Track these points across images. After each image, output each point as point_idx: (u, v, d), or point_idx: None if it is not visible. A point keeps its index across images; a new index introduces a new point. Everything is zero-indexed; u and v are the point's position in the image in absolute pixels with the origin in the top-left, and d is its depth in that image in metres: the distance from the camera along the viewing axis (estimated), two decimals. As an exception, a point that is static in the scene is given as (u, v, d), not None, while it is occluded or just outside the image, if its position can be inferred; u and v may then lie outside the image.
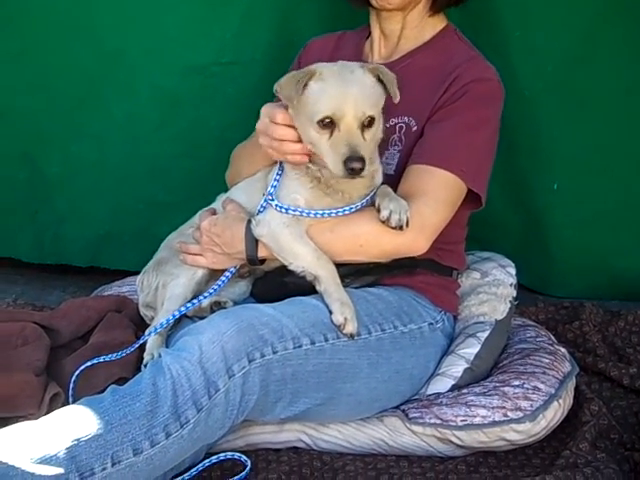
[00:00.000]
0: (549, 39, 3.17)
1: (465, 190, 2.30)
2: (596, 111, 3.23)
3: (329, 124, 2.04)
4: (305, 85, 2.09)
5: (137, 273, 2.63)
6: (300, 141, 2.15)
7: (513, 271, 2.79)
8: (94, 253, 3.60)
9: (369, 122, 2.07)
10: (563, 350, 2.62)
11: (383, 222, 2.09)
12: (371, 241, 2.20)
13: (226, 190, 2.61)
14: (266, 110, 2.23)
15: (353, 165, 1.98)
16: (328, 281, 2.17)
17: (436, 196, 2.23)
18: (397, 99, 2.17)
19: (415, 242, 2.19)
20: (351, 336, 2.15)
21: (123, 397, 1.89)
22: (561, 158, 3.31)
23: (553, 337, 2.75)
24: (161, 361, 1.97)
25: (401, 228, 2.08)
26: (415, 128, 2.38)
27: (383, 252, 2.25)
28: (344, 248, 2.22)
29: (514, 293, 2.72)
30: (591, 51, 3.17)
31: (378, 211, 2.11)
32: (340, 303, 2.15)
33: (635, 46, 3.13)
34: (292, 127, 2.16)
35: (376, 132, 2.15)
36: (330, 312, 2.16)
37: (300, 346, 2.09)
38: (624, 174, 3.33)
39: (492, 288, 2.69)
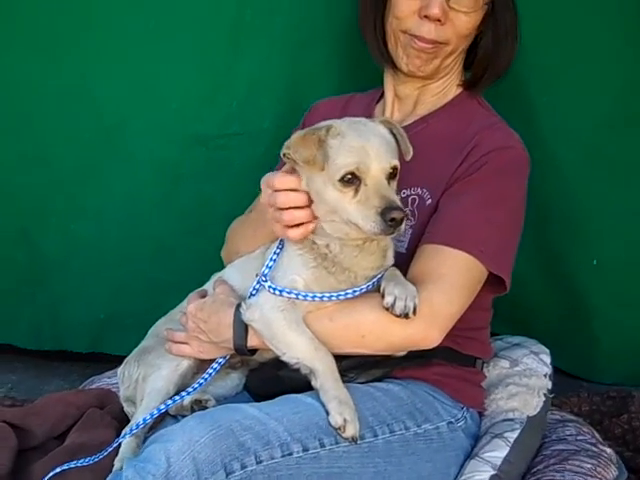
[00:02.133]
0: (581, 103, 2.94)
1: (485, 273, 2.03)
2: (636, 178, 2.96)
3: (352, 180, 1.81)
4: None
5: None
6: (307, 206, 1.90)
7: (548, 359, 2.48)
8: (94, 338, 3.39)
9: (393, 174, 1.86)
10: (609, 451, 2.30)
11: (387, 309, 1.82)
12: (375, 332, 1.92)
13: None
14: (266, 180, 1.98)
15: (394, 215, 1.75)
16: (325, 376, 1.88)
17: (451, 281, 1.96)
18: (410, 155, 1.95)
19: (426, 334, 1.91)
20: (353, 440, 1.85)
21: None
22: (599, 231, 3.04)
23: (597, 434, 2.43)
24: (120, 475, 1.67)
25: (407, 316, 1.80)
26: (430, 201, 2.13)
27: (389, 345, 1.97)
28: (345, 339, 1.95)
29: (549, 385, 2.40)
30: (628, 115, 2.92)
31: (382, 297, 1.84)
32: (338, 401, 1.85)
33: (674, 107, 2.88)
34: (296, 191, 1.91)
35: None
36: (327, 412, 1.85)
37: (290, 454, 1.79)
38: (672, 246, 3.03)
39: (523, 379, 2.38)
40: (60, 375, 3.42)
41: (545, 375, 2.41)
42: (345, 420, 1.83)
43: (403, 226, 1.79)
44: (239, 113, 3.10)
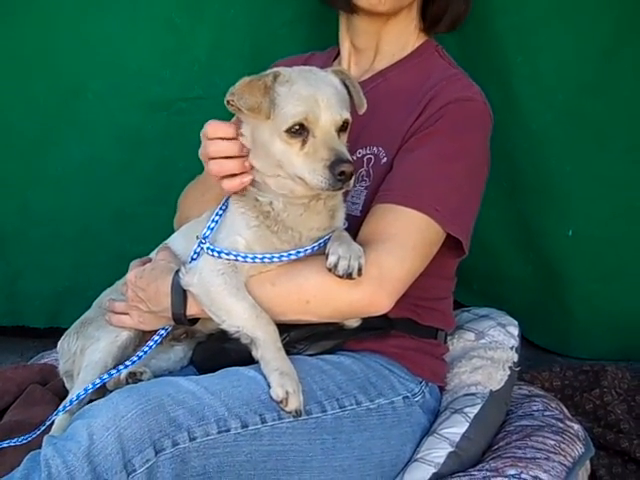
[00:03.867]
0: (557, 64, 2.80)
1: (442, 234, 1.91)
2: (615, 145, 2.83)
3: (300, 131, 1.69)
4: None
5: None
6: (240, 156, 1.79)
7: (516, 331, 2.38)
8: (54, 312, 3.27)
9: (344, 127, 1.75)
10: (576, 427, 2.19)
11: (330, 270, 1.70)
12: (319, 297, 1.80)
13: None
14: (205, 130, 1.87)
15: (343, 168, 1.64)
16: (267, 346, 1.77)
17: (402, 241, 1.83)
18: (363, 109, 1.84)
19: (374, 298, 1.79)
20: (296, 414, 1.74)
21: None
22: (576, 199, 2.91)
23: (566, 410, 2.34)
24: (39, 454, 1.56)
25: (350, 276, 1.69)
26: (385, 160, 2.01)
27: (335, 311, 1.85)
28: (288, 305, 1.83)
29: (515, 358, 2.30)
30: (607, 76, 2.78)
31: (327, 258, 1.72)
32: (279, 373, 1.74)
33: (657, 70, 2.75)
34: (232, 139, 1.80)
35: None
36: (269, 385, 1.74)
37: (227, 430, 1.68)
38: (651, 216, 2.92)
39: (488, 352, 2.28)
40: (17, 351, 3.31)
41: (512, 348, 2.31)
42: (287, 393, 1.72)
43: (352, 181, 1.68)
44: (201, 76, 2.98)
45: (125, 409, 1.59)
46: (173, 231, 2.61)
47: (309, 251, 1.81)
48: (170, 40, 2.95)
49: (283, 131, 1.70)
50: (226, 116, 2.95)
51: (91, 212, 3.15)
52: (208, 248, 1.83)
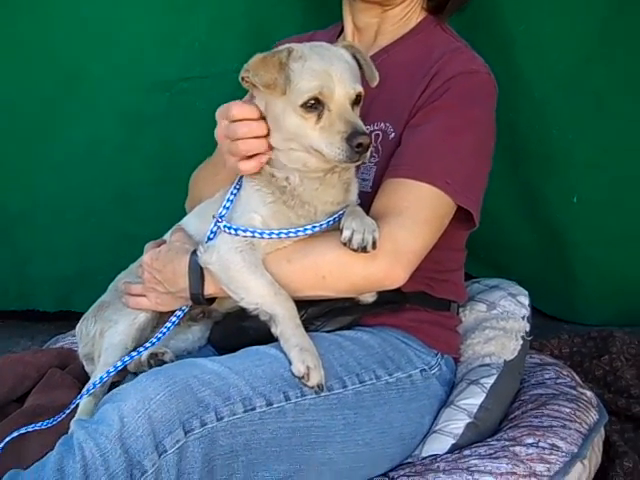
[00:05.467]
0: (559, 33, 2.83)
1: (453, 206, 1.91)
2: (616, 112, 2.87)
3: (315, 106, 1.71)
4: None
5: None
6: (265, 136, 1.79)
7: (526, 301, 2.38)
8: (63, 296, 3.30)
9: (357, 100, 1.76)
10: (589, 394, 2.21)
11: (344, 244, 1.72)
12: (335, 272, 1.81)
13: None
14: (222, 111, 1.86)
15: (360, 140, 1.66)
16: (286, 322, 1.78)
17: (414, 215, 1.84)
18: (376, 81, 1.85)
19: (389, 272, 1.80)
20: (318, 388, 1.75)
21: None
22: (579, 166, 2.96)
23: (577, 377, 2.35)
24: (72, 438, 1.58)
25: (365, 250, 1.70)
26: (393, 135, 2.01)
27: (351, 285, 1.86)
28: (304, 281, 1.84)
29: (527, 327, 2.30)
30: (607, 45, 2.82)
31: (341, 233, 1.73)
32: (299, 349, 1.75)
33: (656, 38, 2.76)
34: (253, 120, 1.79)
35: None
36: (290, 362, 1.76)
37: (253, 409, 1.69)
38: (654, 181, 2.94)
39: (500, 322, 2.29)
40: (28, 336, 3.33)
41: (523, 317, 2.31)
42: (308, 368, 1.73)
43: (368, 153, 1.69)
44: (201, 55, 2.99)
45: (154, 392, 1.61)
46: (177, 211, 2.60)
47: (324, 225, 1.82)
48: (170, 20, 2.94)
49: (299, 106, 1.70)
50: (226, 95, 2.96)
51: (95, 194, 3.15)
52: (225, 226, 1.84)
